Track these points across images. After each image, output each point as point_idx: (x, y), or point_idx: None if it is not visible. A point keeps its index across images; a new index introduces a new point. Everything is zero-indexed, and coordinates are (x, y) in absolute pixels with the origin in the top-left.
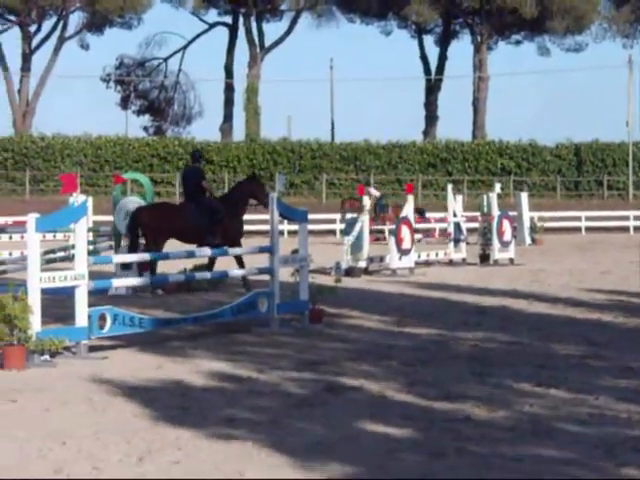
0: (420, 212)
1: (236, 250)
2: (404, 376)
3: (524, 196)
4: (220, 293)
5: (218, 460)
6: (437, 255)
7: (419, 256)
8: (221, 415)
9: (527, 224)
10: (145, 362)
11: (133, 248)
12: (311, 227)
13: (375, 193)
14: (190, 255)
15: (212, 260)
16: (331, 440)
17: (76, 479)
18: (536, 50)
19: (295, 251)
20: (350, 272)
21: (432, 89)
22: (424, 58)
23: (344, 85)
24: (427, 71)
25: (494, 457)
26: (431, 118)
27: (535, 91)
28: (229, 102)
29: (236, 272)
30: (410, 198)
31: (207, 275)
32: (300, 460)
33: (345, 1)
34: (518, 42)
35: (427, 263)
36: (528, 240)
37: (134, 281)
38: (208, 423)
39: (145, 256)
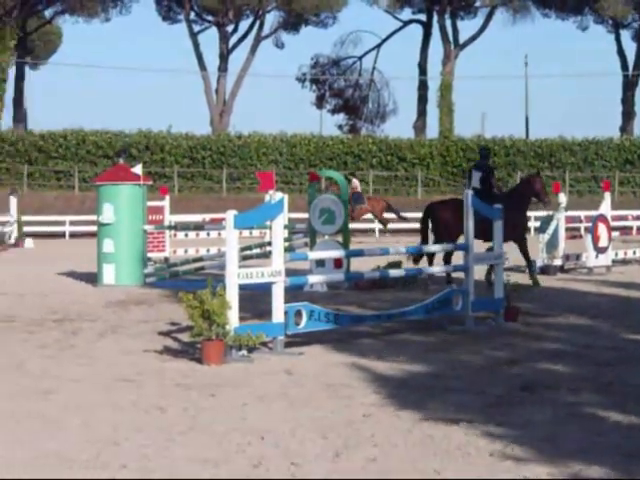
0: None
1: (431, 247)
2: (601, 376)
3: None
4: (413, 290)
5: (414, 457)
6: (635, 253)
7: (616, 254)
8: (416, 412)
9: None
10: (340, 358)
11: (424, 243)
12: None
13: (357, 187)
14: (384, 252)
15: (448, 255)
16: (532, 440)
17: (274, 479)
18: None
19: (490, 249)
20: (546, 270)
21: (629, 85)
22: (621, 53)
23: (539, 81)
24: (624, 67)
25: None
26: (628, 114)
27: None
28: (423, 99)
29: (430, 269)
30: (607, 196)
31: (401, 272)
32: (498, 461)
33: None
34: None
35: (625, 261)
36: None
37: (329, 277)
38: (403, 420)
39: (340, 253)
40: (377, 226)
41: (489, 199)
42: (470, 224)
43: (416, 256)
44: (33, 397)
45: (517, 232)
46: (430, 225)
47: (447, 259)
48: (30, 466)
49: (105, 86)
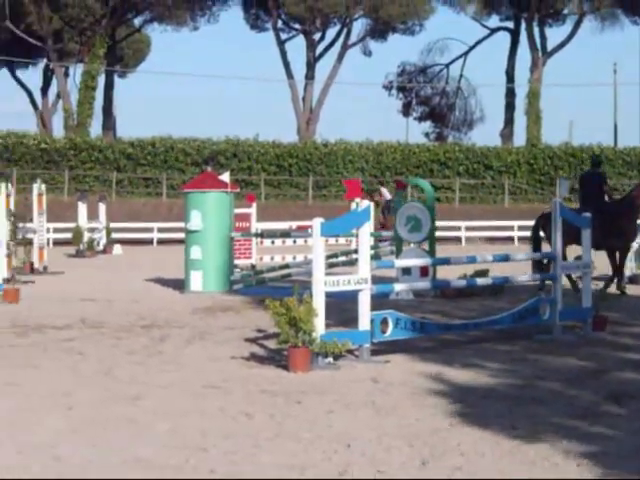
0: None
1: (517, 256)
2: None
3: None
4: (500, 299)
5: (501, 467)
6: None
7: None
8: (503, 421)
9: None
10: (425, 367)
11: (536, 252)
12: None
13: (386, 195)
14: (471, 260)
15: (547, 263)
16: (619, 451)
17: None
18: None
19: (578, 257)
20: (634, 280)
21: None
22: None
23: (628, 88)
24: None
25: None
26: None
27: None
28: (510, 107)
29: (519, 278)
30: None
31: (488, 281)
32: (585, 471)
33: (630, 4)
34: None
35: None
36: None
37: (415, 285)
38: (489, 430)
39: (426, 261)
40: (463, 234)
41: (601, 206)
42: (558, 234)
43: (541, 264)
44: (122, 403)
45: (623, 241)
46: (543, 234)
47: (544, 267)
48: (121, 471)
49: (193, 94)
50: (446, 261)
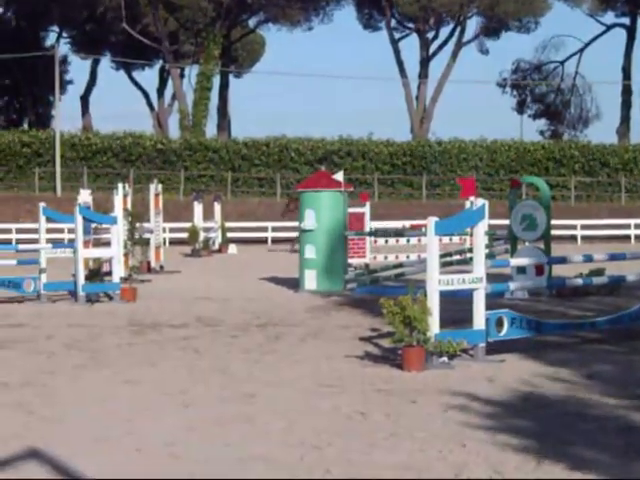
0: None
1: (634, 254)
2: None
3: None
4: (617, 298)
5: (624, 465)
6: None
7: None
8: (622, 424)
9: None
10: (540, 366)
11: None
12: None
13: None
14: (587, 259)
15: None
16: None
17: None
18: None
19: None
20: None
21: None
22: None
23: None
24: None
25: None
26: None
27: None
28: (626, 104)
29: (632, 277)
30: None
31: (604, 279)
32: None
33: None
34: None
35: None
36: None
37: (530, 284)
38: (607, 431)
39: (541, 259)
40: (579, 233)
41: None
42: None
43: None
44: (238, 401)
45: None
46: None
47: None
48: (237, 469)
49: (306, 94)
50: (562, 260)
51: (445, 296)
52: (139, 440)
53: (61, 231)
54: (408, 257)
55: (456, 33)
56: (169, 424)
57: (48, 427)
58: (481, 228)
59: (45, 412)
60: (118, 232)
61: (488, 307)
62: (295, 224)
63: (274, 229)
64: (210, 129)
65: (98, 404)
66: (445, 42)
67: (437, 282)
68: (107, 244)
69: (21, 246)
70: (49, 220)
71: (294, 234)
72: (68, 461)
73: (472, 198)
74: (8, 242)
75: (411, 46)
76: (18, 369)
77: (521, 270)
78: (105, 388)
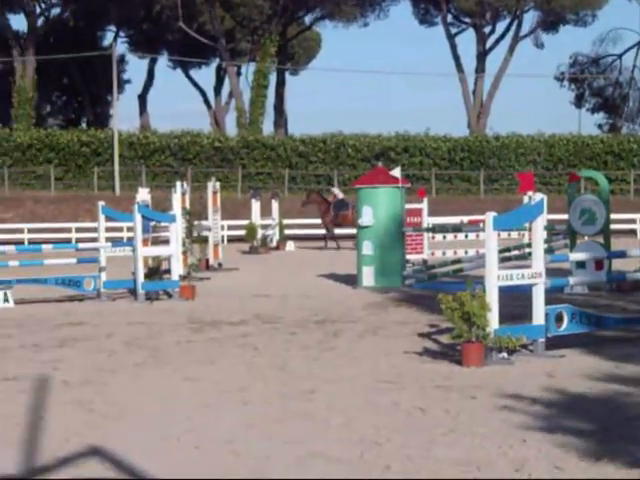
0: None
1: None
2: None
3: None
4: None
5: None
6: None
7: None
8: None
9: None
10: (601, 362)
11: None
12: None
13: (339, 195)
14: None
15: None
16: None
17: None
18: None
19: None
20: None
21: None
22: None
23: None
24: None
25: None
26: None
27: None
28: None
29: None
30: None
31: None
32: None
33: None
34: None
35: None
36: None
37: (590, 279)
38: None
39: (601, 254)
40: (639, 226)
41: None
42: None
43: None
44: (297, 397)
45: None
46: None
47: None
48: (297, 466)
49: (363, 90)
50: (621, 254)
51: (504, 291)
52: (199, 438)
53: (120, 230)
54: (466, 253)
55: (513, 27)
56: (228, 421)
57: (108, 425)
58: (540, 223)
59: (105, 410)
60: (177, 230)
61: (547, 302)
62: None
63: None
64: (267, 126)
65: (158, 402)
66: (502, 36)
67: (496, 277)
68: (166, 242)
69: (81, 245)
70: (108, 219)
71: (352, 231)
72: (128, 459)
73: (530, 193)
74: (68, 241)
75: (468, 41)
76: (79, 367)
77: (580, 265)
78: (165, 386)
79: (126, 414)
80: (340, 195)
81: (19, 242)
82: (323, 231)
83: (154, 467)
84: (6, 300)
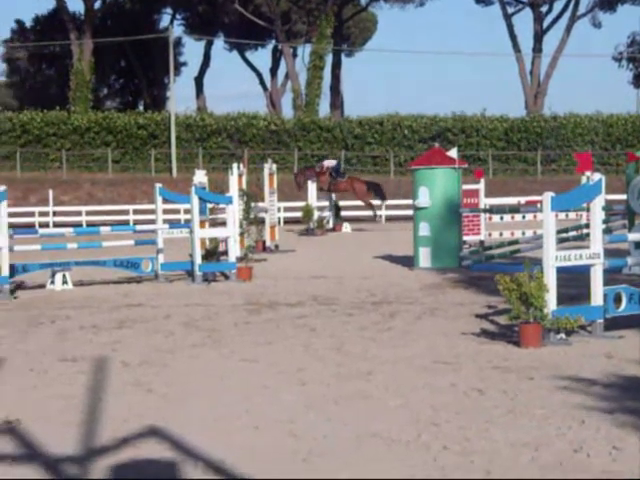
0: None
1: None
2: None
3: None
4: None
5: None
6: None
7: None
8: None
9: None
10: None
11: None
12: None
13: (331, 162)
14: None
15: None
16: None
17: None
18: None
19: None
20: None
21: None
22: None
23: None
24: None
25: None
26: None
27: None
28: None
29: None
30: None
31: None
32: None
33: None
34: None
35: None
36: None
37: None
38: None
39: None
40: None
41: None
42: None
43: None
44: (354, 378)
45: None
46: None
47: None
48: (355, 446)
49: (419, 71)
50: None
51: (562, 272)
52: (257, 418)
53: (177, 212)
54: (523, 234)
55: (570, 6)
56: (286, 402)
57: (167, 405)
58: (598, 203)
59: (164, 391)
60: (234, 212)
61: (606, 283)
62: (410, 202)
63: (387, 207)
64: (323, 108)
65: (216, 382)
66: (559, 16)
67: (554, 258)
68: (223, 224)
69: (138, 227)
70: (165, 201)
71: (409, 212)
72: (187, 439)
73: (588, 173)
74: (126, 223)
75: (524, 20)
76: (137, 348)
77: (639, 245)
78: (223, 367)
79: (184, 395)
80: (333, 162)
81: (77, 224)
82: (379, 212)
83: (212, 448)
84: (65, 282)
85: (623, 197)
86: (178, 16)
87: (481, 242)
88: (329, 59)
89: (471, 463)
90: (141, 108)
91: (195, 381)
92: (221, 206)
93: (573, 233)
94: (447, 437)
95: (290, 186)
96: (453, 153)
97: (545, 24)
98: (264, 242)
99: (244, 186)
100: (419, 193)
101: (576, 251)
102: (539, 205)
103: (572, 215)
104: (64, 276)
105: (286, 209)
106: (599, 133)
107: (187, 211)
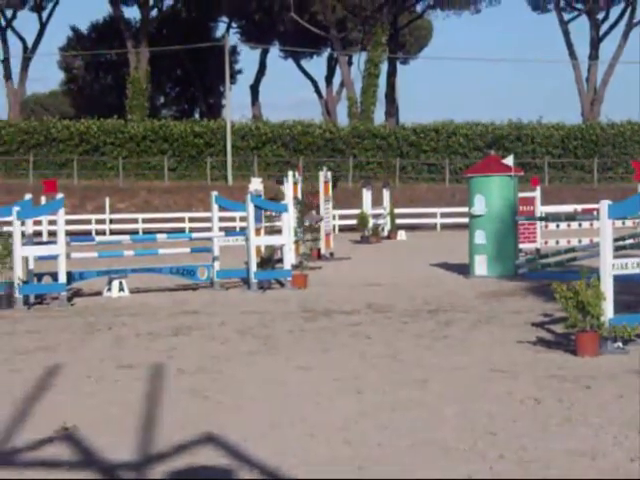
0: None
1: None
2: None
3: None
4: None
5: None
6: None
7: None
8: None
9: None
10: None
11: None
12: None
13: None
14: None
15: None
16: None
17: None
18: None
19: None
20: None
21: None
22: None
23: None
24: None
25: None
26: None
27: None
28: None
29: None
30: None
31: None
32: None
33: None
34: None
35: None
36: None
37: None
38: None
39: None
40: None
41: None
42: None
43: None
44: (410, 386)
45: None
46: None
47: None
48: (410, 454)
49: (475, 78)
50: None
51: (619, 281)
52: (312, 426)
53: (233, 219)
54: (580, 241)
55: (627, 13)
56: (341, 410)
57: (223, 412)
58: None
59: (220, 398)
60: (289, 220)
61: None
62: (465, 209)
63: (443, 215)
64: (378, 116)
65: (271, 390)
66: (615, 23)
67: (611, 266)
68: (278, 232)
69: (194, 234)
70: (221, 209)
71: (464, 220)
72: (243, 446)
73: None
74: (182, 231)
75: (581, 27)
76: (193, 355)
77: None
78: (278, 374)
79: (240, 402)
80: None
81: (133, 232)
82: (434, 220)
83: (268, 454)
84: (121, 289)
85: None
86: (234, 24)
87: (537, 250)
88: (384, 67)
89: (527, 472)
90: (197, 116)
91: (250, 388)
92: (276, 214)
93: (630, 241)
94: (503, 446)
95: (345, 193)
96: (509, 161)
97: (602, 31)
98: (319, 250)
99: (299, 194)
100: (475, 201)
101: (633, 259)
102: (596, 213)
103: (629, 223)
104: (120, 283)
105: (341, 217)
106: None
107: (243, 219)
